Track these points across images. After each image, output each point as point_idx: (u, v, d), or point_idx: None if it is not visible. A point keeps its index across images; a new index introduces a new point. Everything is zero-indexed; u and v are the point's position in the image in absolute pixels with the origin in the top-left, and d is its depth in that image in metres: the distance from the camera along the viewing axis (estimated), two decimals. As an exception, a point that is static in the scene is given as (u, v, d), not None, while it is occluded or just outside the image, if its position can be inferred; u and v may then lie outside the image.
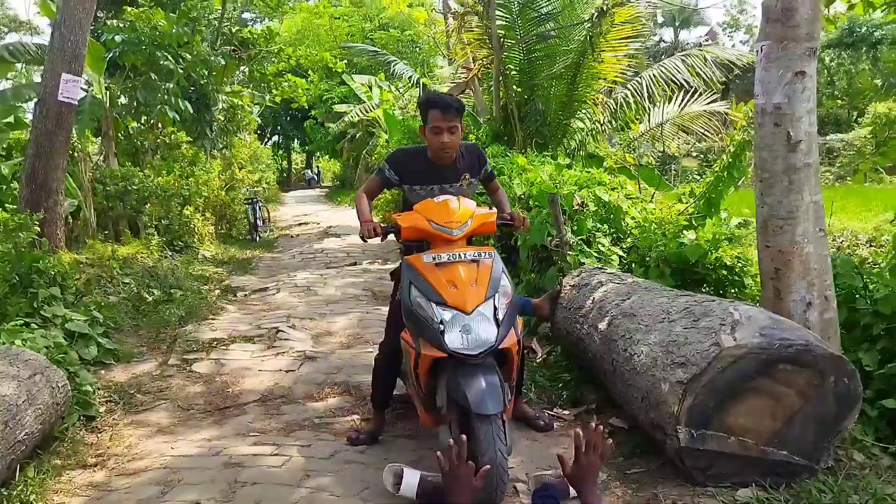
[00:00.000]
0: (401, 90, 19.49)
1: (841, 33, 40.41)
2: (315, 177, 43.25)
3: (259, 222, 13.41)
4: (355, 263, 9.47)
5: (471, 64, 9.87)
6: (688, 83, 9.07)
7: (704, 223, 6.32)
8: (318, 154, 41.74)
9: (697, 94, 9.46)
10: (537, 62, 8.99)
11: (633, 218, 5.73)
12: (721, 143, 9.74)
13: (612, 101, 9.29)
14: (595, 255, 5.20)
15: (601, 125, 9.31)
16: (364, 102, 22.12)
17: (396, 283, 3.57)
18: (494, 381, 2.77)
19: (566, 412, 3.84)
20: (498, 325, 2.84)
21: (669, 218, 5.79)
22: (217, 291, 7.46)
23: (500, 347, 2.82)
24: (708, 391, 2.64)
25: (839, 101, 33.53)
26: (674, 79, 8.87)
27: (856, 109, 30.27)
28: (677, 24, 42.26)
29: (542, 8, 8.70)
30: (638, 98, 9.10)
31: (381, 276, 8.31)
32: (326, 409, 4.13)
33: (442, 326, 2.80)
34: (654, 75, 8.96)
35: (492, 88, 9.58)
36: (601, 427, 2.23)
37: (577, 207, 5.53)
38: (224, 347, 5.31)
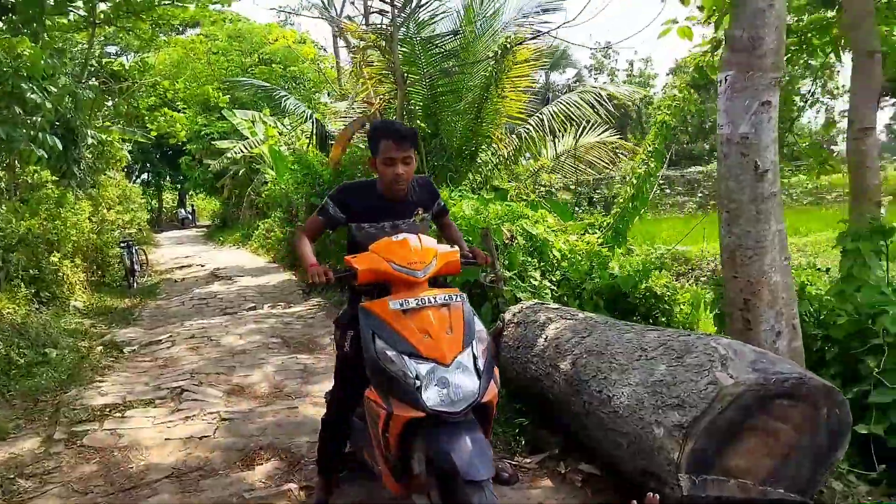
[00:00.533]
0: (289, 126, 18.90)
1: (693, 76, 44.60)
2: (189, 216, 41.08)
3: (136, 267, 12.29)
4: (255, 308, 8.80)
5: (372, 99, 9.64)
6: (585, 119, 9.35)
7: (613, 253, 6.43)
8: (191, 192, 39.70)
9: (591, 126, 9.79)
10: (441, 97, 8.93)
11: (559, 250, 5.67)
12: (614, 174, 10.10)
13: (514, 136, 9.38)
14: (529, 289, 5.06)
15: (504, 159, 9.36)
16: (247, 138, 21.27)
17: (342, 331, 3.20)
18: (480, 440, 2.46)
19: (528, 460, 3.58)
20: (479, 376, 2.56)
21: (592, 249, 5.79)
22: (99, 348, 6.58)
23: (481, 401, 2.54)
24: (708, 434, 2.49)
25: (688, 136, 36.72)
26: (571, 115, 9.10)
27: (709, 143, 33.22)
28: (548, 67, 44.62)
29: (444, 45, 8.67)
30: (538, 132, 9.25)
31: (287, 320, 7.75)
32: (256, 479, 3.61)
33: (418, 382, 2.47)
34: (553, 111, 9.15)
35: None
36: (657, 497, 1.99)
37: (507, 241, 5.38)
38: (119, 415, 4.60)
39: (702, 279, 9.78)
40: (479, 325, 2.76)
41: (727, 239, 3.00)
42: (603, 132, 9.64)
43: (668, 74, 51.47)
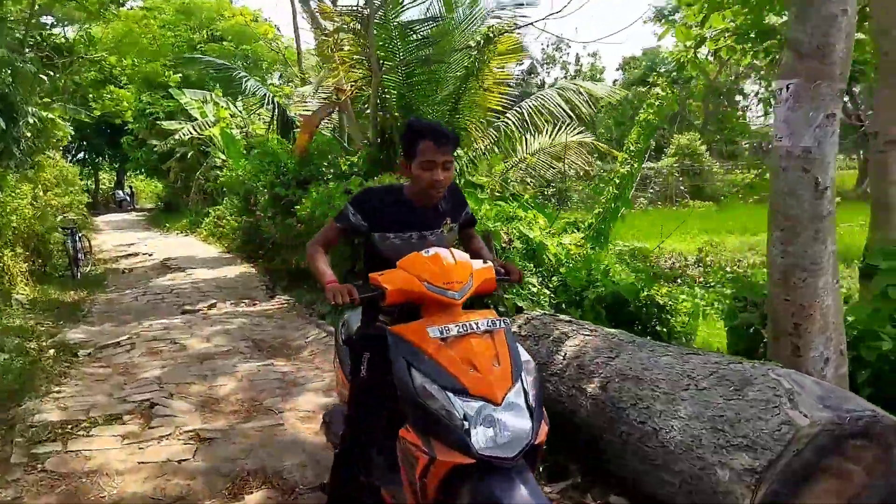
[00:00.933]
0: (242, 108, 18.12)
1: (644, 71, 45.15)
2: (128, 198, 39.40)
3: (80, 255, 11.52)
4: (216, 304, 8.29)
5: (343, 84, 9.19)
6: (561, 116, 9.15)
7: (598, 254, 6.27)
8: (129, 173, 38.04)
9: (565, 125, 9.61)
10: (418, 87, 8.56)
11: (554, 254, 5.44)
12: (567, 169, 9.94)
13: (492, 130, 9.10)
14: (528, 296, 4.81)
15: (482, 153, 9.08)
16: (196, 119, 20.34)
17: (355, 353, 2.88)
18: (535, 488, 2.18)
19: (548, 489, 3.33)
20: (531, 414, 2.28)
21: (589, 254, 5.60)
22: (51, 351, 6.01)
23: (534, 443, 2.26)
24: (782, 478, 2.28)
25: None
26: (551, 110, 8.88)
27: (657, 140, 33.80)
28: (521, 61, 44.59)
29: (423, 31, 8.30)
30: (516, 127, 9.01)
31: (255, 320, 7.30)
32: (248, 511, 3.27)
33: (465, 423, 2.17)
34: (532, 105, 8.91)
35: (366, 112, 8.99)
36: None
37: (504, 245, 5.11)
38: (84, 433, 4.14)
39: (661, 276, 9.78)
40: (524, 355, 2.48)
41: (780, 259, 2.80)
42: (580, 132, 9.47)
43: (617, 70, 52.26)
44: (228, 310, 7.92)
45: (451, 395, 2.22)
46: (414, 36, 8.28)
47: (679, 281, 8.86)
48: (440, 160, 2.59)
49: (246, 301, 8.42)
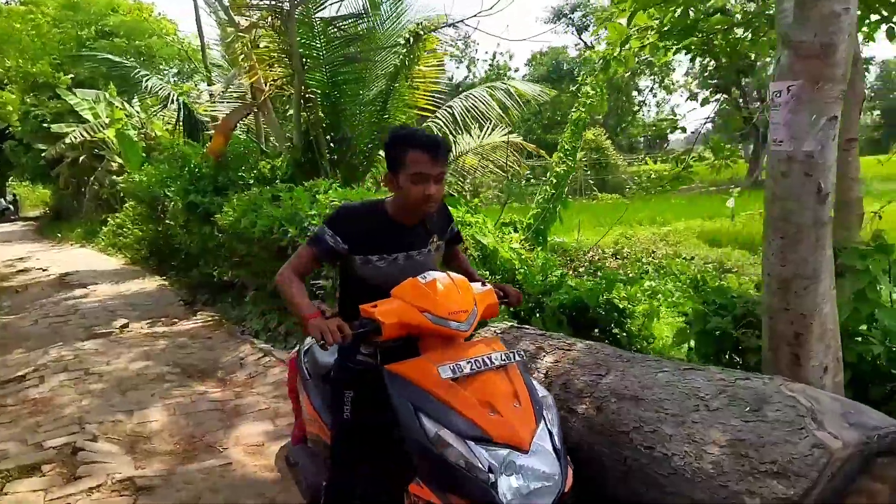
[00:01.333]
0: (137, 109, 16.93)
1: (549, 69, 46.30)
2: (10, 206, 36.40)
3: (-38, 275, 10.35)
4: (128, 325, 7.56)
5: (261, 84, 8.63)
6: (490, 116, 9.00)
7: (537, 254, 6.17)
8: (11, 180, 35.09)
9: (492, 125, 9.49)
10: (343, 86, 8.16)
11: (508, 260, 5.25)
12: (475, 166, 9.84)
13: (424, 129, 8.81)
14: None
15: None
16: (87, 121, 18.86)
17: (335, 391, 2.56)
18: None
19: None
20: (559, 458, 2.04)
21: (546, 260, 5.45)
22: (-58, 389, 5.23)
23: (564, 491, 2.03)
24: (817, 505, 2.16)
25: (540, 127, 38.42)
26: (481, 111, 8.71)
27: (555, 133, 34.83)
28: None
29: (347, 28, 7.91)
30: (447, 127, 8.78)
31: (179, 342, 6.68)
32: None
33: (492, 476, 1.91)
34: (463, 105, 8.71)
35: (288, 112, 8.49)
36: None
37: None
38: (-5, 490, 3.56)
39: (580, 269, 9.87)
40: (541, 389, 2.24)
41: (780, 267, 2.70)
42: (508, 132, 9.36)
43: (525, 65, 53.27)
44: (145, 330, 7.24)
45: (471, 444, 1.95)
46: (338, 32, 7.87)
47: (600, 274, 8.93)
48: (433, 172, 2.31)
49: (163, 319, 7.74)
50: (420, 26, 7.80)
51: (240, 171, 8.93)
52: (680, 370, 2.89)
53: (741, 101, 34.72)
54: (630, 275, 8.92)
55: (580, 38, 43.20)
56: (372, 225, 2.44)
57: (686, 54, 8.17)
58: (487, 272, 5.00)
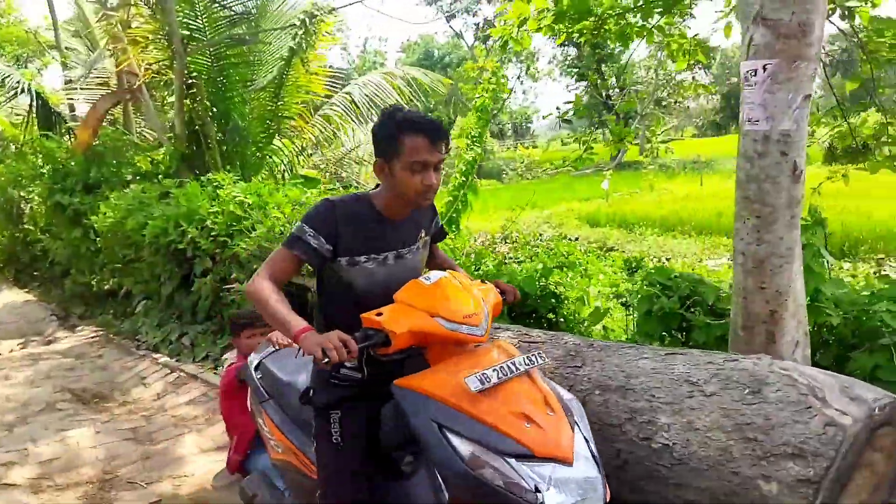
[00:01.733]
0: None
1: (420, 56, 46.35)
2: None
3: None
4: (-6, 347, 6.59)
5: (134, 68, 7.79)
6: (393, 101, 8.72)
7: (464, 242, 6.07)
8: None
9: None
10: (232, 70, 7.54)
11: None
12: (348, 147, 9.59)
13: (320, 117, 8.37)
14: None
15: (312, 143, 8.31)
16: None
17: (321, 416, 2.26)
18: None
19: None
20: (598, 466, 1.89)
21: (479, 249, 5.31)
22: None
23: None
24: (833, 483, 2.15)
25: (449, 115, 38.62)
26: (380, 97, 8.40)
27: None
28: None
29: (234, 6, 7.29)
30: (344, 114, 8.39)
31: (65, 362, 5.88)
32: None
33: (539, 496, 1.71)
34: (362, 92, 8.34)
35: (167, 100, 7.74)
36: None
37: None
38: None
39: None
40: (564, 392, 2.07)
41: (755, 247, 2.70)
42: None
43: (398, 52, 52.93)
44: (19, 353, 6.33)
45: (512, 461, 1.74)
46: (222, 12, 7.25)
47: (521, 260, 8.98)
48: (434, 160, 2.05)
49: (37, 338, 6.82)
50: (315, 5, 7.36)
51: (113, 166, 8.05)
52: (661, 356, 2.83)
53: (599, 88, 36.50)
54: (522, 258, 9.05)
55: (449, 25, 43.58)
56: (358, 221, 2.15)
57: (578, 37, 8.34)
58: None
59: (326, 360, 1.84)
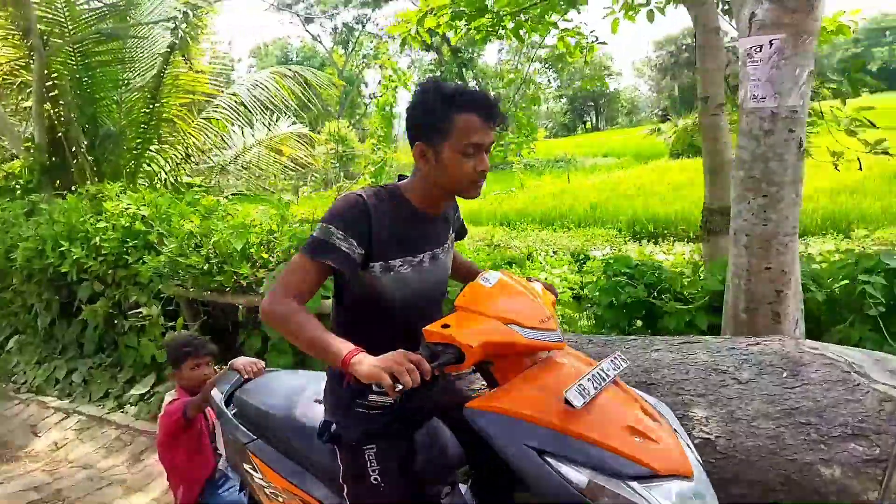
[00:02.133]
0: None
1: (277, 60, 44.79)
2: None
3: None
4: None
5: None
6: (279, 105, 8.12)
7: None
8: None
9: (278, 118, 8.64)
10: (100, 69, 6.64)
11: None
12: (313, 165, 9.21)
13: (204, 120, 7.62)
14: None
15: (196, 148, 7.55)
16: None
17: (352, 452, 1.88)
18: None
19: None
20: (706, 474, 1.69)
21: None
22: None
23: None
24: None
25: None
26: (271, 98, 7.79)
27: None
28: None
29: (101, -2, 6.44)
30: (231, 116, 7.70)
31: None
32: None
33: (671, 520, 1.48)
34: (250, 93, 7.69)
35: (24, 105, 6.69)
36: None
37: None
38: None
39: None
40: (647, 395, 1.86)
41: (761, 227, 2.65)
42: (292, 124, 8.55)
43: (250, 56, 50.78)
44: None
45: (635, 485, 1.50)
46: (91, 3, 6.38)
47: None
48: (488, 141, 1.76)
49: None
50: (196, -4, 6.67)
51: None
52: (675, 346, 2.72)
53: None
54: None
55: (306, 30, 42.45)
56: (393, 217, 1.80)
57: (478, 33, 8.29)
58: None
59: (400, 387, 1.49)
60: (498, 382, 1.72)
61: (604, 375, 1.67)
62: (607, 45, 6.81)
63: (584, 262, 4.97)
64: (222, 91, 7.72)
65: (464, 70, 35.19)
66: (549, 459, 1.52)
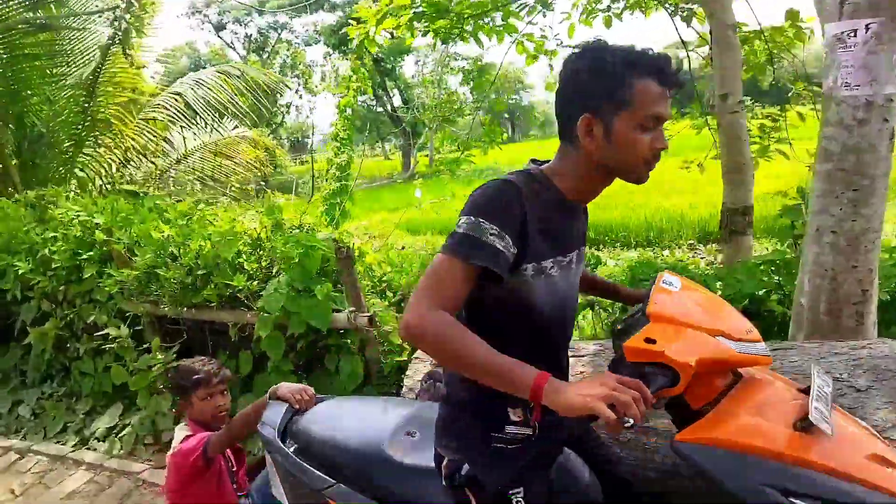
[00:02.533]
0: None
1: (190, 66, 42.76)
2: None
3: None
4: None
5: None
6: (225, 106, 7.53)
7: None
8: None
9: (226, 118, 8.05)
10: (28, 63, 5.88)
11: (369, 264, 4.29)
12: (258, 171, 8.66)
13: (144, 121, 6.92)
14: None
15: (136, 150, 6.84)
16: None
17: (498, 496, 1.54)
18: None
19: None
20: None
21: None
22: None
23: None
24: None
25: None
26: (218, 98, 7.20)
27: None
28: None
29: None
30: (174, 116, 7.04)
31: None
32: None
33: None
34: (194, 92, 7.06)
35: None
36: None
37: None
38: None
39: None
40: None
41: (850, 223, 2.50)
42: (235, 128, 7.98)
43: (156, 62, 48.29)
44: None
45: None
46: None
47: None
48: (668, 114, 1.45)
49: None
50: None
51: None
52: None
53: (386, 102, 36.72)
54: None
55: (218, 36, 40.69)
56: (546, 210, 1.47)
57: (436, 35, 8.06)
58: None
59: (629, 422, 1.17)
60: (690, 407, 1.44)
61: (827, 392, 1.42)
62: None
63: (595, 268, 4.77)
64: (160, 90, 7.05)
65: (386, 80, 34.85)
66: (793, 499, 1.25)
